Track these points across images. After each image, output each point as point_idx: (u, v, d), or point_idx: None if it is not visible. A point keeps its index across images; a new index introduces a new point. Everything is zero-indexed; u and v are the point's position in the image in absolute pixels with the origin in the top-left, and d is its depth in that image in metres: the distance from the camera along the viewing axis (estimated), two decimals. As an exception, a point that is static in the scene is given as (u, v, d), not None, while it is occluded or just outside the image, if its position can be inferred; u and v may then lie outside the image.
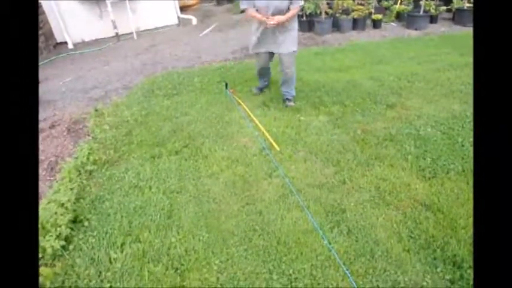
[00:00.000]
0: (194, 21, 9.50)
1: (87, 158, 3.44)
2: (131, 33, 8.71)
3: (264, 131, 3.61)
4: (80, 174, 3.24)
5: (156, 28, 9.22)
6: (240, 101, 4.35)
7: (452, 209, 2.50)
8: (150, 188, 2.99)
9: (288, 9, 3.67)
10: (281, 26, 3.76)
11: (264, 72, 4.48)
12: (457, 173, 2.86)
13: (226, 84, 4.72)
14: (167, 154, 3.44)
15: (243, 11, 4.59)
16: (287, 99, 4.24)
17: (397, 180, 2.83)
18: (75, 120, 4.47)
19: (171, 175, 3.12)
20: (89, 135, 4.04)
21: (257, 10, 3.74)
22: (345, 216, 2.52)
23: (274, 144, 3.39)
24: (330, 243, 2.31)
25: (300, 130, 3.62)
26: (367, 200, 2.66)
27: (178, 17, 9.47)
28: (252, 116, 3.96)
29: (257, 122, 3.81)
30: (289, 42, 3.87)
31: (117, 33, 8.58)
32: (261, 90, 4.68)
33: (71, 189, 3.00)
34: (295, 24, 3.90)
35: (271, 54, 4.14)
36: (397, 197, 2.67)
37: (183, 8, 10.59)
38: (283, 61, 3.99)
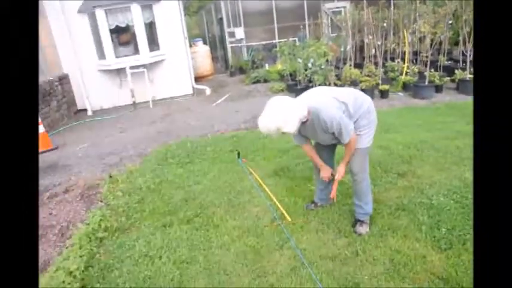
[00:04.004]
0: (208, 91, 9.94)
1: (99, 225, 3.46)
2: (147, 101, 9.11)
3: (276, 201, 3.62)
4: (90, 241, 3.24)
5: (172, 97, 9.65)
6: (251, 170, 4.41)
7: (472, 282, 2.41)
8: (161, 257, 2.97)
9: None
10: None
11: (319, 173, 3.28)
12: (473, 244, 2.79)
13: (239, 154, 4.83)
14: (178, 223, 3.44)
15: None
16: (357, 220, 3.13)
17: (412, 252, 2.75)
18: (89, 186, 4.56)
19: (182, 245, 3.11)
20: (101, 201, 4.10)
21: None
22: (359, 291, 2.44)
23: (285, 214, 3.39)
24: (344, 321, 2.21)
25: (311, 200, 3.62)
26: (382, 272, 2.59)
27: (193, 87, 9.93)
28: (263, 185, 3.99)
29: (268, 191, 3.84)
30: (360, 138, 2.91)
31: (134, 102, 8.98)
32: (315, 204, 3.50)
33: (81, 256, 2.99)
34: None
35: (334, 145, 3.18)
36: (413, 269, 2.59)
37: (198, 79, 11.14)
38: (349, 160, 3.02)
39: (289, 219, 3.31)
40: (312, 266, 2.69)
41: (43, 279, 2.74)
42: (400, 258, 2.70)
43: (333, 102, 2.76)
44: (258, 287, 2.55)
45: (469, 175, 3.88)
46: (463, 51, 8.27)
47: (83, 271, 2.81)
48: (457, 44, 9.66)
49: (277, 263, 2.78)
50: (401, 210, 3.33)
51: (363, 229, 3.07)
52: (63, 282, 2.62)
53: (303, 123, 2.75)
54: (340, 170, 3.00)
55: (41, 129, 6.08)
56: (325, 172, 3.14)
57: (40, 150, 6.01)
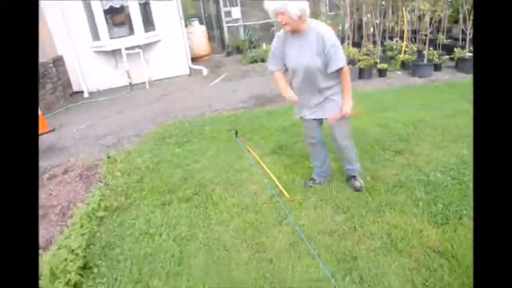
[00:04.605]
0: (205, 71, 9.85)
1: (99, 204, 3.48)
2: (144, 83, 9.03)
3: (274, 178, 3.65)
4: (91, 220, 3.27)
5: (168, 78, 9.55)
6: (249, 148, 4.42)
7: (467, 255, 2.45)
8: (161, 235, 3.00)
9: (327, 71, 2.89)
10: (318, 93, 3.05)
11: (313, 149, 3.44)
12: (469, 218, 2.83)
13: (236, 133, 4.83)
14: (178, 201, 3.47)
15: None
16: (352, 176, 3.40)
17: (409, 227, 2.80)
18: (88, 166, 4.56)
19: (182, 222, 3.14)
20: (100, 181, 4.11)
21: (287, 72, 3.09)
22: (356, 264, 2.49)
23: (284, 191, 3.41)
24: (342, 292, 2.26)
25: (309, 177, 3.64)
26: (379, 247, 2.63)
27: (189, 68, 9.83)
28: (261, 163, 4.01)
29: (267, 169, 3.85)
30: (336, 106, 3.05)
31: (130, 83, 8.91)
32: (313, 181, 3.52)
33: (82, 235, 3.02)
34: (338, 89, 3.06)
35: (319, 120, 3.27)
36: (409, 243, 2.63)
37: (194, 59, 11.01)
38: (333, 132, 3.18)
39: (288, 196, 3.34)
40: (310, 241, 2.73)
41: (46, 257, 2.77)
42: (397, 233, 2.74)
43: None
44: (257, 262, 2.59)
45: (466, 152, 3.90)
46: (463, 29, 8.18)
47: (84, 249, 2.84)
48: (456, 22, 9.55)
49: (276, 238, 2.81)
50: (399, 186, 3.37)
51: (359, 182, 3.35)
52: (66, 259, 2.65)
53: (294, 33, 2.84)
54: (346, 108, 3.02)
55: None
56: (289, 93, 3.01)
57: (37, 132, 5.98)
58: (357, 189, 3.31)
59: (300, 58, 2.89)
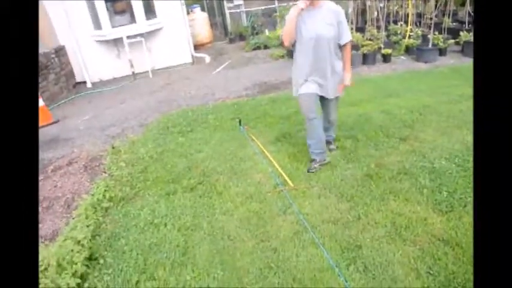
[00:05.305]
0: (207, 59, 9.79)
1: (103, 195, 3.50)
2: (147, 71, 9.00)
3: (278, 167, 3.64)
4: (96, 211, 3.29)
5: (171, 66, 9.51)
6: (253, 137, 4.41)
7: (472, 244, 2.44)
8: (165, 225, 3.02)
9: (337, 43, 3.28)
10: (332, 67, 3.32)
11: (312, 125, 3.49)
12: (474, 206, 2.81)
13: (240, 121, 4.81)
14: (182, 191, 3.48)
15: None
16: (329, 142, 3.86)
17: (413, 215, 2.79)
18: (92, 157, 4.58)
19: (186, 212, 3.15)
20: (105, 172, 4.12)
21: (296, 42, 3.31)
22: (361, 253, 2.49)
23: (288, 180, 3.41)
24: (346, 281, 2.27)
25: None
26: (383, 235, 2.63)
27: (192, 56, 9.77)
28: (265, 152, 4.00)
29: (271, 158, 3.85)
30: (337, 85, 3.44)
31: (133, 72, 8.88)
32: (315, 161, 3.59)
33: (87, 226, 3.04)
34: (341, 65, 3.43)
35: (316, 96, 3.45)
36: (414, 232, 2.63)
37: (197, 47, 10.94)
38: (328, 107, 3.60)
39: (292, 185, 3.34)
40: (314, 230, 2.73)
41: (52, 249, 2.79)
42: (402, 221, 2.74)
43: None
44: (261, 251, 2.60)
45: (471, 138, 3.87)
46: (469, 12, 8.04)
47: (90, 240, 2.86)
48: (463, 4, 9.37)
49: (281, 227, 2.82)
50: (403, 174, 3.35)
51: (334, 146, 3.93)
52: (72, 250, 2.67)
53: (309, 8, 3.15)
54: (347, 78, 3.45)
55: (41, 103, 6.02)
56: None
57: (41, 124, 5.98)
58: (332, 150, 3.87)
59: (314, 28, 3.20)
